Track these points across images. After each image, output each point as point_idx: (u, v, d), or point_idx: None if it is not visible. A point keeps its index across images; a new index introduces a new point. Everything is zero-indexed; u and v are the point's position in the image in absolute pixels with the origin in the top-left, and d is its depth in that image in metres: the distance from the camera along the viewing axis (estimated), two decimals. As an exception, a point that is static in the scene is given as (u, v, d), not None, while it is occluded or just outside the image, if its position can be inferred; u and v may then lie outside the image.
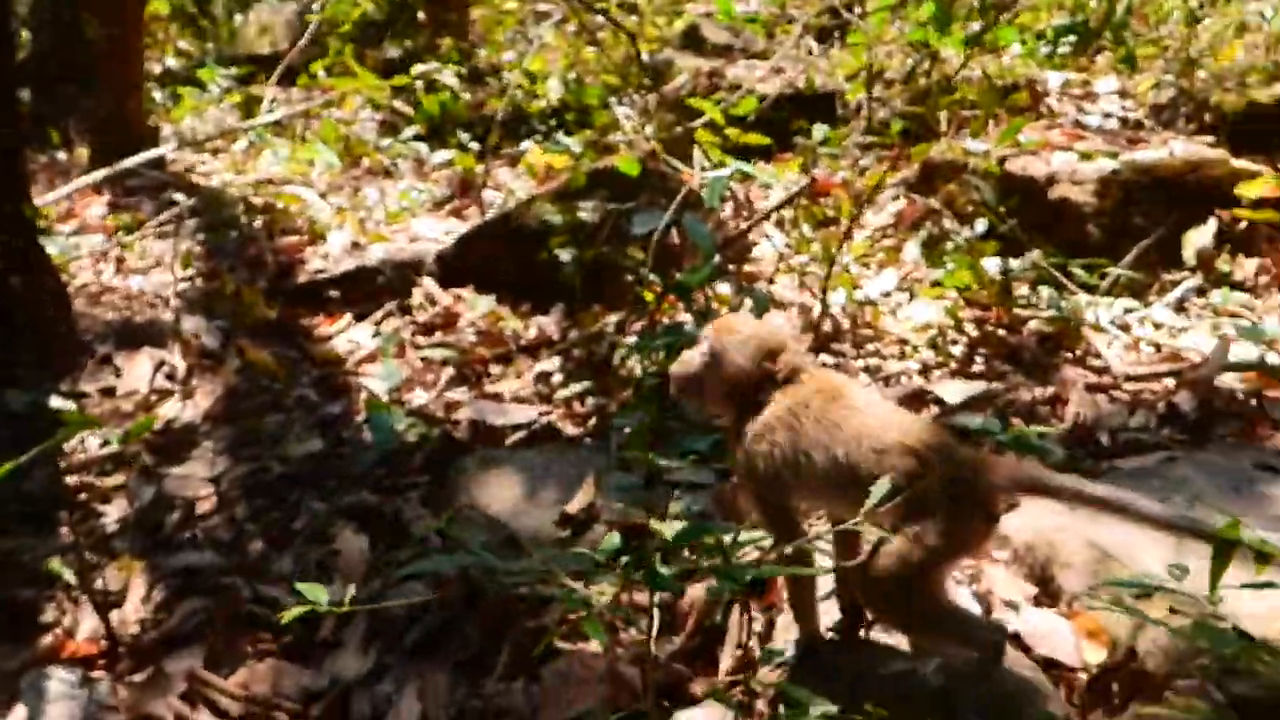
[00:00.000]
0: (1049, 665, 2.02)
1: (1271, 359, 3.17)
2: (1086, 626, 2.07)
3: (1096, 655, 2.01)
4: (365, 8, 9.72)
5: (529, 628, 2.40)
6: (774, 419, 1.92)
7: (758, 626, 2.29)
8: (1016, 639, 2.08)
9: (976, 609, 2.17)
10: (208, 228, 4.99)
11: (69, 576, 2.51)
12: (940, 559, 1.80)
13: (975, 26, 6.03)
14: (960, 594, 2.23)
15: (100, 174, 5.48)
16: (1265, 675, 1.80)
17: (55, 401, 3.33)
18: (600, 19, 7.20)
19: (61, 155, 7.07)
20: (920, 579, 1.79)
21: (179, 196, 5.43)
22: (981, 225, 3.84)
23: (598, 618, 2.26)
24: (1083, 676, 2.00)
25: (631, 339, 3.51)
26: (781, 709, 1.80)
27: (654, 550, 1.51)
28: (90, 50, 6.75)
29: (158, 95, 8.21)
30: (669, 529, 1.58)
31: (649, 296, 3.48)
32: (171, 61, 9.49)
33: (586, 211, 3.91)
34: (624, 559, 1.54)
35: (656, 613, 1.91)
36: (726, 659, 2.19)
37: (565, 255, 3.75)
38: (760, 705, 1.99)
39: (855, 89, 5.07)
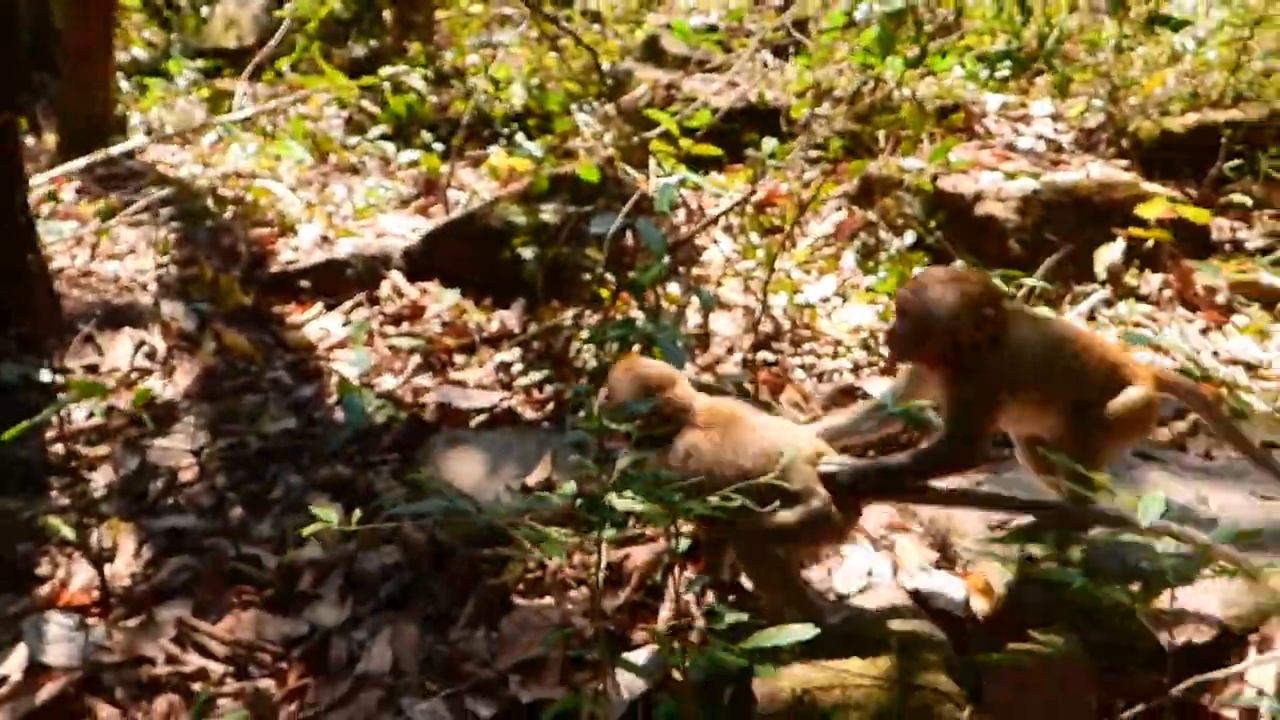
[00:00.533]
0: (944, 616, 2.34)
1: (1165, 364, 3.53)
2: (977, 585, 2.38)
3: (983, 608, 2.33)
4: (332, 6, 9.89)
5: (491, 585, 2.67)
6: (686, 446, 2.29)
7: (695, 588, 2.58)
8: (917, 596, 2.40)
9: (888, 570, 2.49)
10: (182, 217, 5.19)
11: (67, 532, 2.73)
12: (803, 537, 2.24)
13: (916, 50, 6.40)
14: (876, 559, 2.55)
15: (82, 162, 5.66)
16: (1115, 624, 2.13)
17: (45, 375, 3.55)
18: (557, 25, 7.46)
19: (30, 141, 7.19)
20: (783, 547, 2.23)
21: (152, 186, 5.63)
22: (911, 237, 4.17)
23: (553, 575, 2.55)
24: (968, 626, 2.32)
25: (586, 333, 3.80)
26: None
27: (605, 489, 1.77)
28: (59, 38, 6.89)
29: (124, 85, 8.33)
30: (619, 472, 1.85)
31: (604, 294, 3.77)
32: (138, 52, 9.59)
33: (548, 213, 4.19)
34: (578, 501, 1.81)
35: (604, 565, 2.20)
36: (664, 611, 2.48)
37: (528, 254, 4.02)
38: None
39: (799, 107, 5.39)
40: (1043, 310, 4.10)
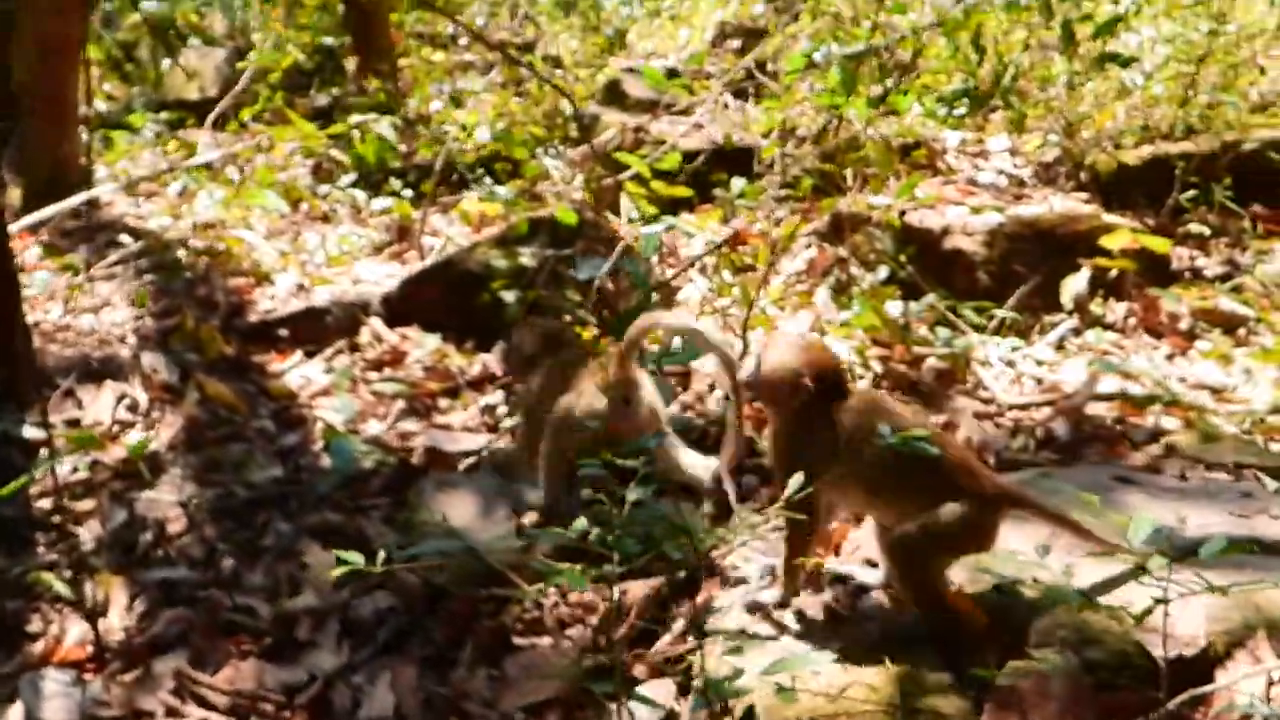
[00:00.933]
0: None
1: (1133, 389, 3.63)
2: (966, 605, 2.44)
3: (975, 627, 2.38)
4: (295, 57, 9.95)
5: (489, 625, 2.69)
6: None
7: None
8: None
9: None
10: (156, 268, 5.18)
11: (60, 587, 2.72)
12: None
13: (878, 89, 6.56)
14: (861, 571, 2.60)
15: (52, 210, 5.65)
16: (1112, 643, 2.19)
17: (28, 430, 3.53)
18: (529, 70, 7.56)
19: (-5, 195, 7.14)
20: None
21: (124, 238, 5.62)
22: (884, 272, 4.26)
23: (550, 611, 2.57)
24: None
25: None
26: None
27: (616, 526, 1.82)
28: (22, 88, 6.86)
29: (86, 137, 8.31)
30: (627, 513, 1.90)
31: (586, 335, 3.82)
32: (101, 105, 9.58)
33: (526, 257, 4.25)
34: (591, 533, 1.85)
35: (606, 604, 2.23)
36: (664, 642, 2.51)
37: (509, 297, 4.08)
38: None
39: (771, 148, 5.51)
40: (1013, 340, 4.21)
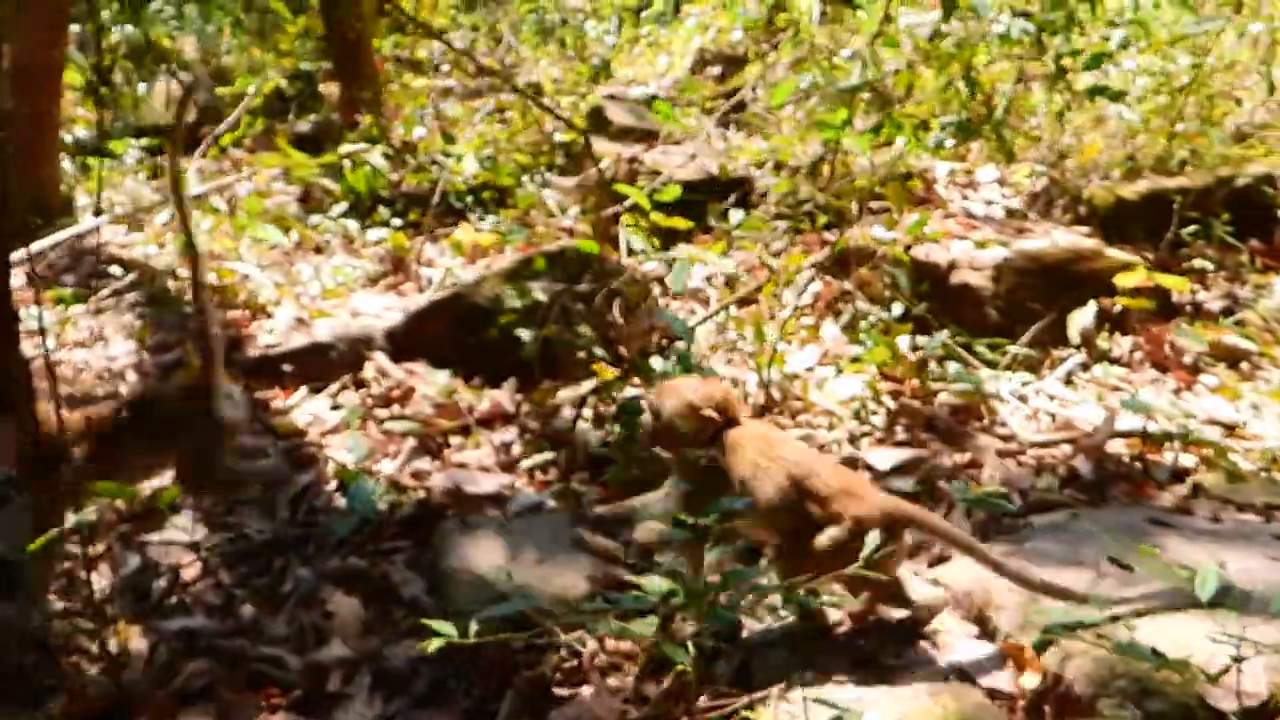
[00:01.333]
0: (992, 694, 2.36)
1: (1151, 427, 3.64)
2: (1021, 658, 2.42)
3: (1031, 681, 2.36)
4: (278, 83, 9.88)
5: (528, 676, 2.63)
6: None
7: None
8: (963, 673, 2.42)
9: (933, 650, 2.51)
10: (149, 300, 5.08)
11: (81, 639, 2.63)
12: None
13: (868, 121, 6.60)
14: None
15: (50, 240, 5.55)
16: (1174, 694, 2.17)
17: (35, 473, 3.42)
18: (529, 99, 7.56)
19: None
20: None
21: (114, 269, 5.52)
22: (898, 308, 4.26)
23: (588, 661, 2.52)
24: (1021, 702, 2.35)
25: (587, 410, 3.81)
26: None
27: (706, 590, 1.78)
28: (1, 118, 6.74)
29: (66, 165, 8.18)
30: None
31: (606, 373, 3.80)
32: (81, 131, 9.44)
33: (538, 291, 4.20)
34: (674, 599, 1.80)
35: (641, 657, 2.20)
36: (704, 699, 2.46)
37: (526, 334, 4.03)
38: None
39: (783, 185, 5.53)
40: (1023, 375, 4.22)
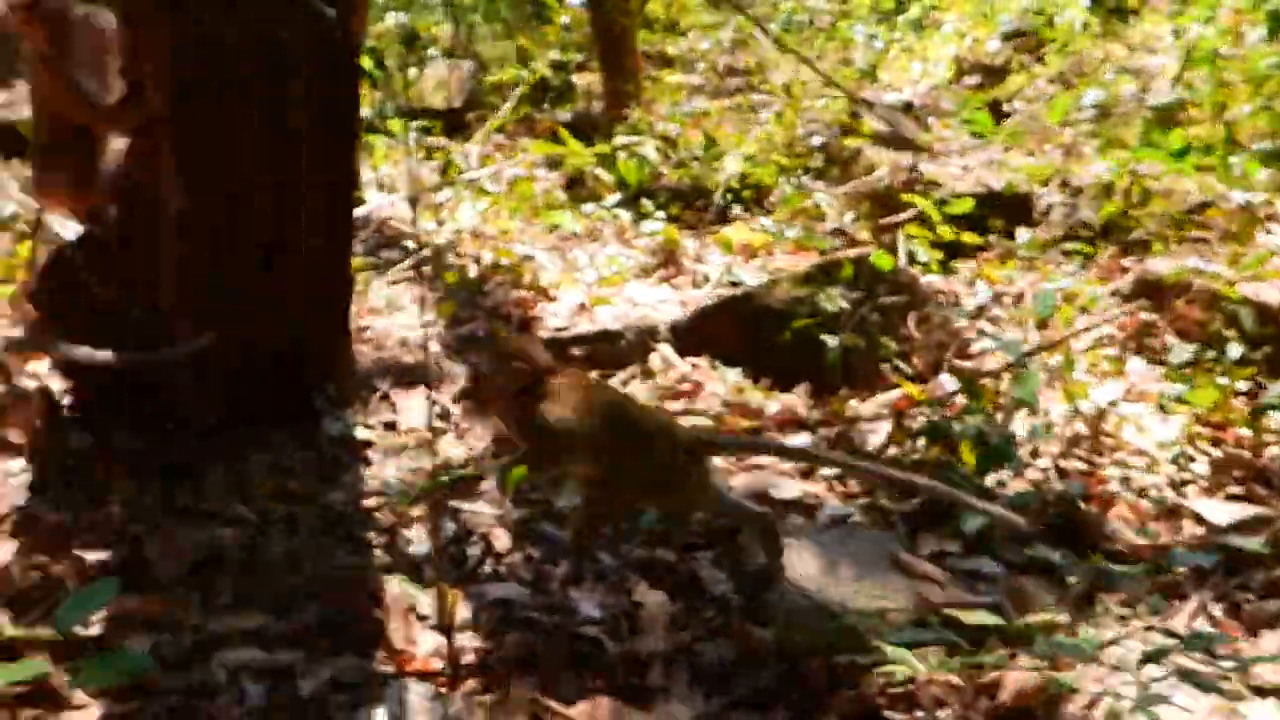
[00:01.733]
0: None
1: None
2: None
3: None
4: (544, 73, 10.18)
5: (848, 695, 2.56)
6: None
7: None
8: None
9: None
10: (440, 275, 5.30)
11: (419, 597, 2.74)
12: None
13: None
14: None
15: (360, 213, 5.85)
16: None
17: (360, 433, 3.61)
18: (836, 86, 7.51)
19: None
20: None
21: (403, 242, 5.79)
22: (1236, 350, 3.96)
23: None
24: None
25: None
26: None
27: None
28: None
29: (352, 141, 8.66)
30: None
31: (911, 388, 3.68)
32: (364, 110, 10.01)
33: (840, 298, 4.13)
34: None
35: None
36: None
37: (831, 341, 3.96)
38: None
39: (1110, 206, 5.24)
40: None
